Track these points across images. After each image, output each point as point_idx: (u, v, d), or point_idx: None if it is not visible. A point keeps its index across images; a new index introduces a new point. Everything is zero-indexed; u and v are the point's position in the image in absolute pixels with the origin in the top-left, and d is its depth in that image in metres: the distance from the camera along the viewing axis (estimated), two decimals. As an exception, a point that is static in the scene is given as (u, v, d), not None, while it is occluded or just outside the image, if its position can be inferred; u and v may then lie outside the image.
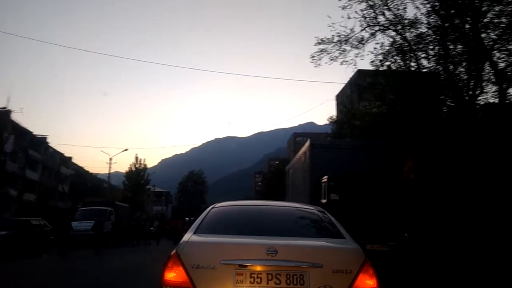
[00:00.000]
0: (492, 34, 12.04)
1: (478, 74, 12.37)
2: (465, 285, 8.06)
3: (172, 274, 2.78)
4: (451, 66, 12.90)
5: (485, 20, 11.93)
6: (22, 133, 44.36)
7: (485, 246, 9.87)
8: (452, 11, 12.47)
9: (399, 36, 13.96)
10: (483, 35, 12.02)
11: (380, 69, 14.66)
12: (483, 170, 11.09)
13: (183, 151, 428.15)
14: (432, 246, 10.76)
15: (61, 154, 57.33)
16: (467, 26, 12.38)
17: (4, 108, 37.64)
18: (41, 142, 51.40)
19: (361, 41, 14.35)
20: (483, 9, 11.91)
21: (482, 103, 12.96)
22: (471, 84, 12.57)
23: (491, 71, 12.21)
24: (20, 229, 15.51)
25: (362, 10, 13.82)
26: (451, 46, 12.99)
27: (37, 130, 72.64)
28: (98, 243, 17.56)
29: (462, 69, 12.97)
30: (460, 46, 12.85)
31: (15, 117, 41.02)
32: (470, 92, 12.54)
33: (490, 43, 11.98)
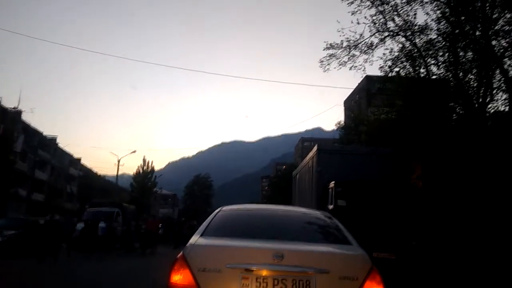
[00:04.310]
0: (503, 42, 11.98)
1: (488, 81, 12.27)
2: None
3: (178, 277, 2.79)
4: (461, 73, 12.82)
5: (496, 27, 11.86)
6: (32, 134, 44.91)
7: (495, 255, 9.74)
8: (463, 18, 12.40)
9: (408, 42, 13.92)
10: (493, 42, 11.94)
11: (389, 75, 14.61)
12: (492, 179, 10.97)
13: (190, 155, 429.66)
14: (440, 255, 10.65)
15: (70, 155, 57.93)
16: (478, 33, 12.31)
17: (15, 108, 38.22)
18: (50, 142, 51.99)
19: (370, 47, 14.33)
20: (494, 16, 11.85)
21: (492, 111, 12.85)
22: (481, 91, 12.47)
23: (502, 79, 12.11)
24: (28, 229, 15.64)
25: (371, 16, 13.81)
26: (461, 53, 12.92)
27: (47, 131, 73.20)
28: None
29: (472, 76, 12.88)
30: (470, 53, 12.78)
31: (26, 117, 41.61)
32: (480, 100, 12.43)
33: (501, 50, 11.90)
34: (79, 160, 62.08)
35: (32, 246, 14.42)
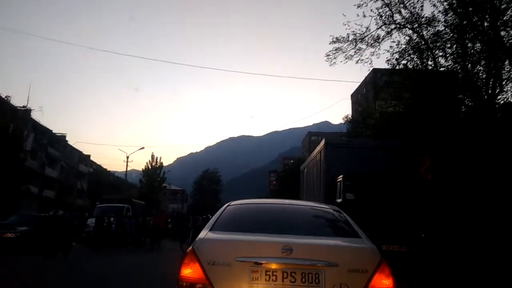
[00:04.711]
0: (512, 32, 11.80)
1: (498, 72, 12.13)
2: (482, 286, 7.95)
3: (188, 271, 2.83)
4: (470, 65, 12.68)
5: (505, 18, 11.69)
6: (42, 132, 45.37)
7: (504, 247, 9.70)
8: (470, 8, 12.24)
9: (415, 35, 13.77)
10: (502, 33, 11.78)
11: (396, 68, 14.49)
12: (502, 171, 10.89)
13: (198, 150, 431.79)
14: (449, 247, 10.63)
15: (80, 152, 58.48)
16: (486, 24, 12.15)
17: (24, 107, 38.61)
18: (60, 140, 52.53)
19: (377, 40, 14.19)
20: (503, 6, 11.68)
21: (502, 102, 12.72)
22: (490, 83, 12.34)
23: (511, 70, 11.97)
24: (40, 225, 15.86)
25: (377, 8, 13.66)
26: (470, 45, 12.76)
27: (56, 129, 73.96)
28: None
29: (480, 68, 12.73)
30: (478, 45, 12.61)
31: (35, 115, 42.09)
32: (489, 91, 12.30)
33: (510, 41, 11.74)
34: (88, 157, 62.68)
35: (44, 242, 14.66)
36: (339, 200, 10.64)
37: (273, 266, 2.75)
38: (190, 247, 3.00)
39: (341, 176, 10.96)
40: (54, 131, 50.16)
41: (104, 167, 70.08)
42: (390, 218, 9.43)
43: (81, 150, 59.05)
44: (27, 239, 14.66)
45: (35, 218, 17.21)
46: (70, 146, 55.34)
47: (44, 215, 17.88)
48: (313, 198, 14.39)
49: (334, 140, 15.72)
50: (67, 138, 54.91)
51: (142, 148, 45.15)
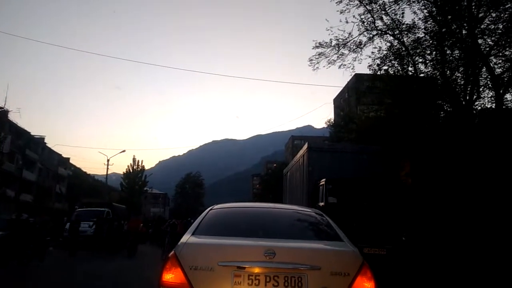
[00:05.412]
0: (489, 40, 12.17)
1: (475, 79, 12.46)
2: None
3: (170, 276, 2.80)
4: (448, 71, 13.00)
5: (482, 26, 12.04)
6: (20, 134, 44.25)
7: (483, 249, 9.92)
8: (449, 17, 12.56)
9: (396, 41, 14.07)
10: (480, 41, 12.12)
11: (378, 73, 14.74)
12: (480, 175, 11.15)
13: (181, 153, 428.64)
14: (430, 250, 10.80)
15: (59, 155, 57.19)
16: (464, 31, 12.49)
17: (2, 108, 37.56)
18: (38, 142, 51.27)
19: (359, 45, 14.45)
20: (480, 15, 12.02)
21: (479, 108, 13.05)
22: (468, 89, 12.66)
23: (488, 77, 12.31)
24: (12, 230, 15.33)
25: (360, 15, 13.94)
26: (448, 52, 13.09)
27: (34, 131, 71.92)
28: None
29: (459, 74, 13.08)
30: (457, 52, 12.97)
31: (13, 117, 40.99)
32: (467, 97, 12.62)
33: (487, 48, 12.09)
34: (68, 159, 61.44)
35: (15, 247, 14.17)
36: (321, 204, 10.68)
37: (256, 270, 2.74)
38: (172, 252, 2.97)
39: (323, 179, 11.01)
40: (32, 133, 48.97)
41: (84, 170, 68.87)
42: (372, 222, 9.52)
43: (60, 152, 57.72)
44: (4, 244, 14.16)
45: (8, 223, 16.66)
46: (49, 148, 54.09)
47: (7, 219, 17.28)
48: (296, 201, 14.42)
49: (317, 144, 15.78)
50: (46, 141, 53.65)
51: (123, 151, 44.33)
